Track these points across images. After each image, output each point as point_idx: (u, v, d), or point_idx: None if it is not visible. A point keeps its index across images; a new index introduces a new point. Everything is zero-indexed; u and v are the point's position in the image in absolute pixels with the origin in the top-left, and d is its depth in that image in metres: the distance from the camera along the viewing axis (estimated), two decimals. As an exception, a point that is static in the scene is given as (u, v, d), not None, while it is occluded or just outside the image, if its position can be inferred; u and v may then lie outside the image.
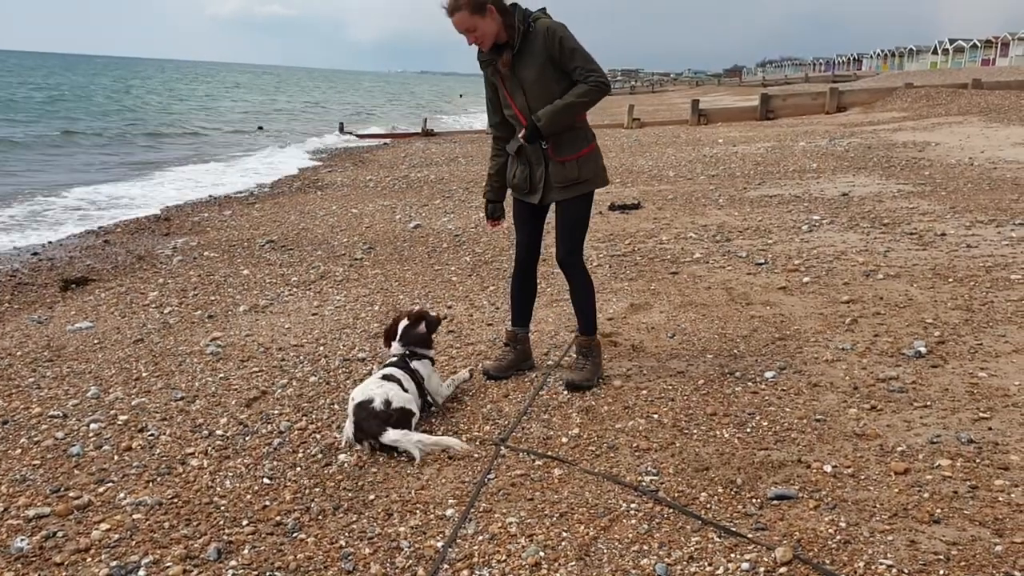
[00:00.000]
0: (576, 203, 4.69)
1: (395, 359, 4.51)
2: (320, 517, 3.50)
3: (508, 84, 4.54)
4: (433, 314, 4.81)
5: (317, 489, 3.74)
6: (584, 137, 4.63)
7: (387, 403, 4.06)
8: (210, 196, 15.24)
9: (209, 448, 4.18)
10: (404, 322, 4.62)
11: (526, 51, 4.39)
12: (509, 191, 4.93)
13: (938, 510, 3.33)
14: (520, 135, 4.53)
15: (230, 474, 3.90)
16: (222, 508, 3.58)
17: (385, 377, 4.28)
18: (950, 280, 6.77)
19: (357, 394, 4.15)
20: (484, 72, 4.66)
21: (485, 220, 5.16)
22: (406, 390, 4.24)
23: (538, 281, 5.21)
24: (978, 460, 3.75)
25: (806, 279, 7.05)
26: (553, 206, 4.81)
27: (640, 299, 6.70)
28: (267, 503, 3.62)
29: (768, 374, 4.91)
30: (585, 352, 4.93)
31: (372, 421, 4.01)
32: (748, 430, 4.19)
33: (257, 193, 15.51)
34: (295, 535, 3.36)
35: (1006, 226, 8.77)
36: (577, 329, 5.01)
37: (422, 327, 4.63)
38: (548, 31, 4.35)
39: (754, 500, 3.50)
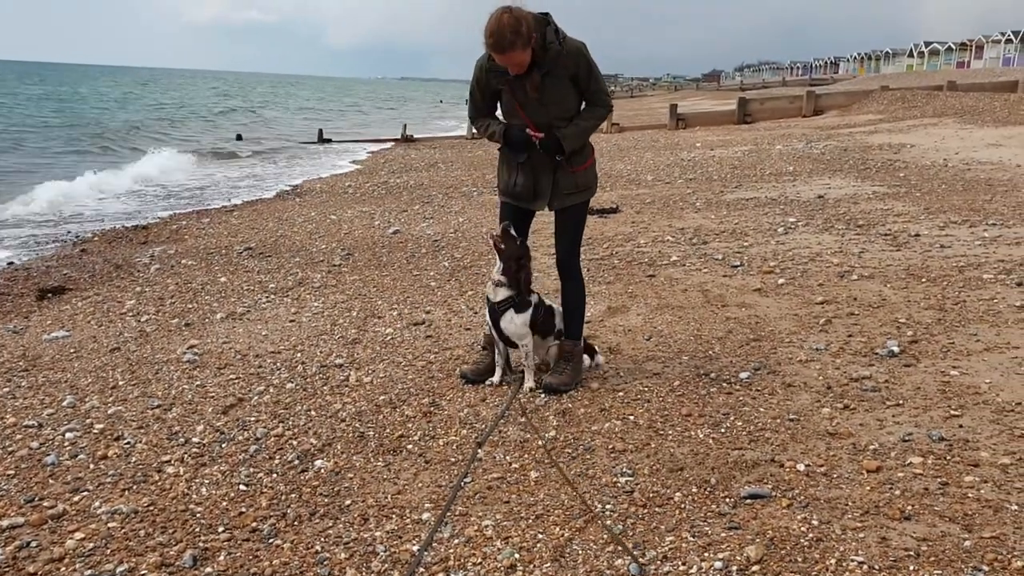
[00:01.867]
0: (579, 208, 4.84)
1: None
2: (296, 523, 3.50)
3: (521, 97, 4.51)
4: None
5: (293, 495, 3.74)
6: (588, 149, 4.78)
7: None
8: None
9: (185, 455, 4.17)
10: None
11: (553, 71, 4.39)
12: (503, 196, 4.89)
13: (909, 507, 3.37)
14: (536, 138, 4.53)
15: (206, 481, 3.89)
16: (198, 515, 3.58)
17: None
18: (923, 280, 6.85)
19: None
20: (485, 77, 4.57)
21: (503, 145, 4.72)
22: None
23: None
24: (948, 457, 3.80)
25: (781, 281, 7.11)
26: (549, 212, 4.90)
27: (617, 302, 6.73)
28: (243, 509, 3.62)
29: (743, 375, 4.95)
30: (567, 356, 4.97)
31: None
32: (723, 430, 4.23)
33: (235, 200, 15.45)
34: (271, 541, 3.36)
35: (979, 226, 8.87)
36: (562, 332, 5.03)
37: None
38: (578, 53, 4.40)
39: (728, 499, 3.53)
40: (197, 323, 6.69)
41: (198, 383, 5.24)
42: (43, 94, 67.58)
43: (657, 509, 3.49)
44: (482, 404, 4.75)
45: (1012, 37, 78.15)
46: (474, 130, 4.90)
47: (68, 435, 4.45)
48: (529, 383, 4.88)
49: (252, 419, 4.61)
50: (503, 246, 4.76)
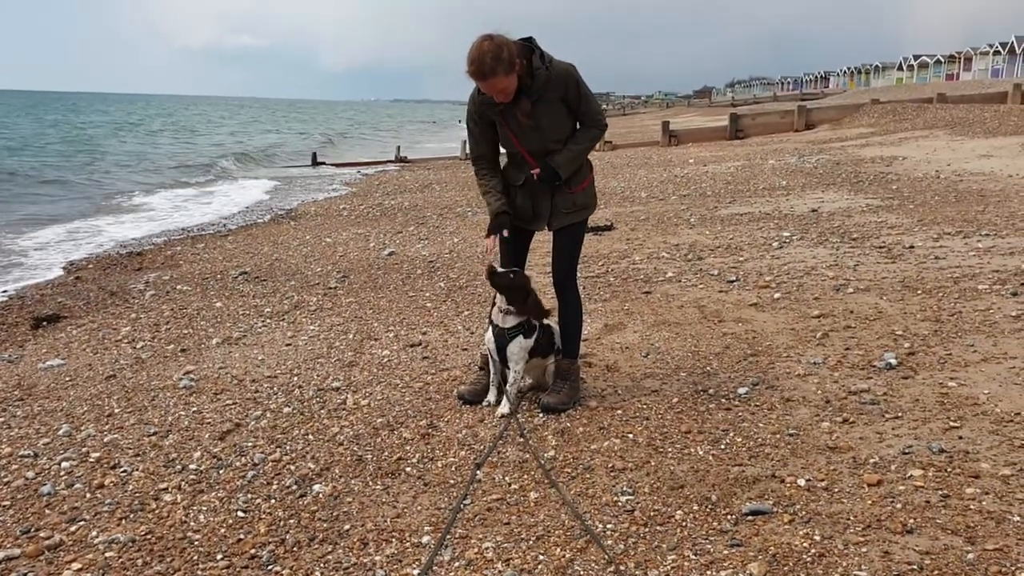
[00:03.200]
0: (578, 227, 4.83)
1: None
2: (295, 548, 3.48)
3: (514, 125, 4.51)
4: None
5: (292, 520, 3.71)
6: (586, 169, 4.77)
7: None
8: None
9: (182, 483, 4.14)
10: None
11: (543, 96, 4.39)
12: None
13: (911, 520, 3.36)
14: (533, 174, 4.56)
15: (204, 508, 3.87)
16: (196, 543, 3.55)
17: None
18: (919, 292, 6.85)
19: None
20: (478, 110, 4.57)
21: (486, 238, 4.78)
22: None
23: None
24: (949, 469, 3.79)
25: (777, 295, 7.11)
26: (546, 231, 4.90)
27: (614, 319, 6.72)
28: (242, 536, 3.59)
29: (741, 390, 4.94)
30: (564, 375, 4.94)
31: None
32: (722, 447, 4.21)
33: (230, 225, 15.45)
34: (270, 567, 3.34)
35: (972, 237, 8.90)
36: (559, 351, 5.02)
37: None
38: (567, 75, 4.41)
39: (729, 516, 3.51)
40: (193, 349, 6.67)
41: (195, 409, 5.21)
42: (90, 122, 67.39)
43: (658, 527, 3.47)
44: (480, 425, 4.72)
45: (1000, 48, 78.67)
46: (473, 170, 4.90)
47: (64, 464, 4.42)
48: (504, 409, 4.83)
49: (249, 444, 4.59)
50: (495, 282, 4.75)
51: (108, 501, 3.97)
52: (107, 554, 3.48)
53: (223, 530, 3.65)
